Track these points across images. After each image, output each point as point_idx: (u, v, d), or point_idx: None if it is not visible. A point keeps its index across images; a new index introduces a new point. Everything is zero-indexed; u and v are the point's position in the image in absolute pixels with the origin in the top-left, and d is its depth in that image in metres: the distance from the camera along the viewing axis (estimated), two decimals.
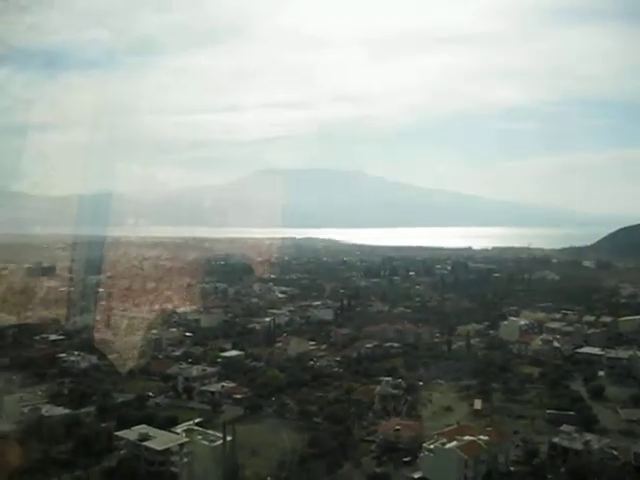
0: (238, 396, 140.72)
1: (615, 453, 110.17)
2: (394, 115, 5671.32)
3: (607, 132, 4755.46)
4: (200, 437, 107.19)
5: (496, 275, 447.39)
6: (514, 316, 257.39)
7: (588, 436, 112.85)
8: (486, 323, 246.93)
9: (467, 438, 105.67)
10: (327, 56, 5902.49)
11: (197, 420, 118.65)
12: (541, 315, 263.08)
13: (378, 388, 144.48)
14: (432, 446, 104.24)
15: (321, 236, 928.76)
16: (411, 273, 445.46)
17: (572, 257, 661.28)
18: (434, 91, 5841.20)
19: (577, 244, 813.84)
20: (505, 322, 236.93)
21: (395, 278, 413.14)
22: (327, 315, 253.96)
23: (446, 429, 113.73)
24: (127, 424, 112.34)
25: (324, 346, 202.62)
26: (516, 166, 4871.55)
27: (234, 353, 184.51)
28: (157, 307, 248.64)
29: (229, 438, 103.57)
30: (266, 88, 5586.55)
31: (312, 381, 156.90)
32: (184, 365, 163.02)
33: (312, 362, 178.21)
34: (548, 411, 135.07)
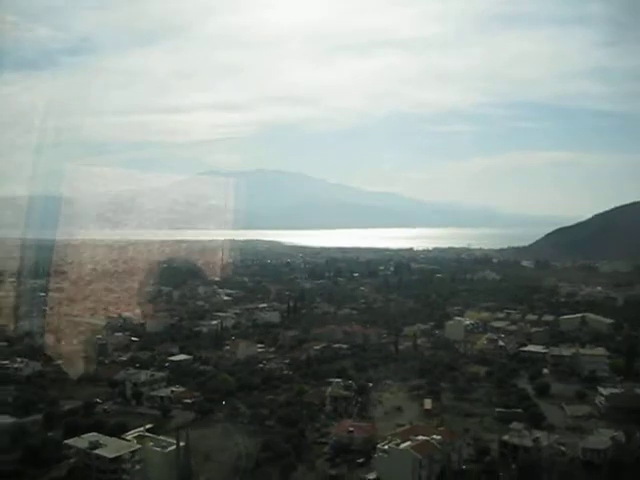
0: (188, 401, 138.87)
1: (563, 449, 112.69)
2: (335, 117, 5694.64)
3: (540, 135, 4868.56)
4: (152, 443, 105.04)
5: (439, 275, 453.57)
6: (458, 316, 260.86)
7: (537, 433, 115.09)
8: (431, 323, 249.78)
9: (420, 438, 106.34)
10: (268, 57, 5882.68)
11: (148, 426, 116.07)
12: (485, 314, 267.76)
13: (329, 390, 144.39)
14: (386, 447, 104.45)
15: (264, 238, 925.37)
16: (355, 274, 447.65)
17: (511, 257, 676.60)
18: (373, 93, 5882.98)
19: (515, 244, 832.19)
20: (450, 322, 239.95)
21: (340, 279, 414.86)
22: (274, 317, 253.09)
23: (399, 429, 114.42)
24: (75, 432, 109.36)
25: (272, 349, 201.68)
26: (454, 167, 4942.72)
27: (182, 357, 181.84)
28: (103, 311, 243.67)
29: (182, 444, 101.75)
30: (208, 89, 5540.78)
31: (262, 384, 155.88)
32: (132, 370, 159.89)
33: (261, 365, 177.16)
34: (497, 409, 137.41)
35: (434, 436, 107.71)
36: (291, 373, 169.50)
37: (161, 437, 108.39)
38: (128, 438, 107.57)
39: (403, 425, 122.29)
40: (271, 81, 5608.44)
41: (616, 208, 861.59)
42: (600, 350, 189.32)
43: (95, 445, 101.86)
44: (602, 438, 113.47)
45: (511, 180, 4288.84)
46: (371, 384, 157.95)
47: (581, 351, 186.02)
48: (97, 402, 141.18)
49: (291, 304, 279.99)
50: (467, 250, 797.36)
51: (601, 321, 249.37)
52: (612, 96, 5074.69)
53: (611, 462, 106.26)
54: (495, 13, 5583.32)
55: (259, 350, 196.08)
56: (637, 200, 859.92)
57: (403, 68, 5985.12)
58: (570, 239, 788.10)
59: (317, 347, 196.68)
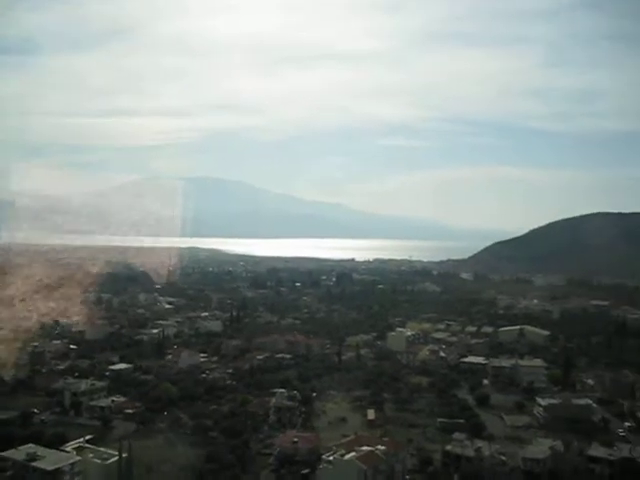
0: (129, 411, 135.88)
1: (504, 459, 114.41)
2: (279, 127, 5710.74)
3: (483, 150, 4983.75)
4: (92, 455, 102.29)
5: (380, 286, 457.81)
6: (400, 327, 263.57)
7: (479, 443, 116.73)
8: (374, 334, 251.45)
9: (365, 448, 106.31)
10: (215, 65, 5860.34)
11: (88, 437, 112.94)
12: (426, 326, 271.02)
13: (273, 400, 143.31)
14: (331, 457, 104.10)
15: (205, 246, 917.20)
16: (297, 284, 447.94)
17: (451, 269, 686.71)
18: (318, 105, 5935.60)
19: (455, 257, 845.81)
20: (392, 333, 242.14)
21: (282, 289, 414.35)
22: (216, 326, 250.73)
23: (344, 440, 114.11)
24: (12, 443, 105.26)
25: (215, 358, 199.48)
26: (400, 181, 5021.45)
27: (123, 366, 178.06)
28: (39, 319, 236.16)
29: (124, 455, 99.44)
30: (153, 94, 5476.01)
31: (205, 394, 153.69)
32: (70, 379, 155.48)
33: (204, 375, 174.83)
34: (439, 419, 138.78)
35: (378, 446, 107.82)
36: (234, 383, 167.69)
37: (102, 448, 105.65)
38: (67, 450, 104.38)
39: (347, 435, 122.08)
40: (217, 89, 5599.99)
41: (550, 224, 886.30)
42: (538, 361, 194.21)
43: (33, 457, 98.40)
44: (541, 448, 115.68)
45: (456, 194, 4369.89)
46: (315, 394, 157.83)
47: (520, 362, 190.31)
48: (34, 412, 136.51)
49: (233, 313, 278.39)
50: (408, 262, 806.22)
51: (538, 333, 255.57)
52: (550, 115, 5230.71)
53: (550, 471, 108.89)
54: (441, 31, 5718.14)
55: (202, 359, 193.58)
56: (570, 217, 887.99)
57: (349, 82, 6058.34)
58: (507, 253, 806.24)
59: (260, 357, 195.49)
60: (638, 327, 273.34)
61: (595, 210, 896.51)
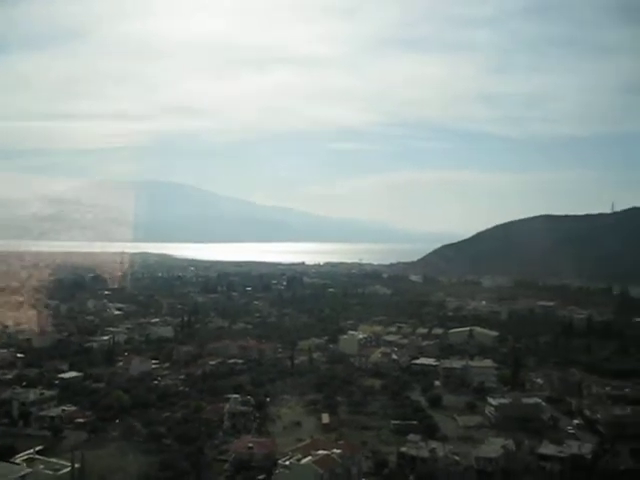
0: (81, 420, 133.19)
1: (457, 459, 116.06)
2: (232, 130, 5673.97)
3: (432, 154, 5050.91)
4: (43, 466, 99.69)
5: (331, 290, 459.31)
6: (352, 330, 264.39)
7: (433, 444, 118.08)
8: (326, 337, 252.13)
9: (321, 452, 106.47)
10: (166, 67, 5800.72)
11: (38, 448, 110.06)
12: (378, 328, 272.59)
13: (227, 406, 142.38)
14: (287, 462, 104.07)
15: (155, 251, 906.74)
16: (248, 288, 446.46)
17: (400, 272, 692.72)
18: (272, 108, 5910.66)
19: (404, 259, 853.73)
20: (344, 336, 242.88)
21: (233, 294, 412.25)
22: (167, 332, 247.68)
23: (300, 444, 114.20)
24: None
25: (167, 364, 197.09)
26: (350, 184, 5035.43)
27: (72, 374, 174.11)
28: None
29: (76, 465, 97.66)
30: (104, 96, 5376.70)
31: (158, 401, 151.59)
32: (18, 389, 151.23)
33: (156, 381, 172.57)
34: (393, 421, 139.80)
35: (334, 450, 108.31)
36: (187, 389, 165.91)
37: (53, 459, 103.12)
38: (17, 461, 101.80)
39: (303, 440, 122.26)
40: (169, 91, 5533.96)
41: (496, 226, 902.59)
42: (488, 362, 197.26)
43: None
44: (493, 447, 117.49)
45: (405, 197, 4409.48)
46: (269, 399, 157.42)
47: (470, 363, 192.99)
48: None
49: (185, 318, 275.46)
50: (358, 265, 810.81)
51: (487, 334, 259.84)
52: (500, 120, 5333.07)
53: (502, 470, 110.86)
54: (394, 37, 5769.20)
55: (153, 366, 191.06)
56: (515, 219, 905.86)
57: (302, 85, 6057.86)
58: (455, 255, 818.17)
59: (213, 362, 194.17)
60: (584, 327, 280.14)
61: (540, 212, 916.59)
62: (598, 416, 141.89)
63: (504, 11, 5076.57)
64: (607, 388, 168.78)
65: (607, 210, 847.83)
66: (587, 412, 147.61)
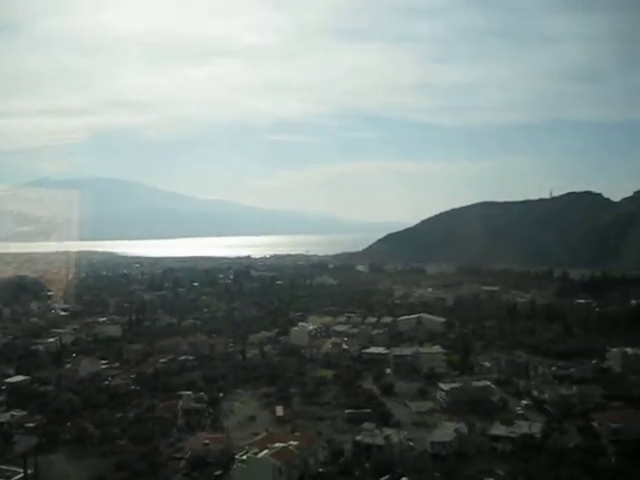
0: (31, 425, 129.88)
1: (412, 444, 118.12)
2: (173, 124, 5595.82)
3: (373, 144, 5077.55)
4: None
5: (279, 282, 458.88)
6: (301, 321, 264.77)
7: (387, 431, 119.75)
8: (276, 330, 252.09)
9: (278, 445, 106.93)
10: (104, 62, 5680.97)
11: None
12: (327, 319, 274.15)
13: (180, 403, 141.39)
14: (244, 457, 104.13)
15: (98, 249, 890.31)
16: (195, 284, 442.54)
17: (346, 262, 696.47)
18: (212, 101, 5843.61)
19: (349, 250, 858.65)
20: (295, 328, 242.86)
21: (180, 290, 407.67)
22: (115, 331, 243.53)
23: (256, 438, 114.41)
24: None
25: (117, 364, 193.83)
26: (293, 176, 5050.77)
27: (19, 378, 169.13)
28: None
29: (29, 471, 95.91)
30: (38, 93, 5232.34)
31: (110, 402, 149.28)
32: None
33: (107, 382, 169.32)
34: (346, 411, 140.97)
35: (291, 442, 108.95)
36: (139, 388, 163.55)
37: (4, 466, 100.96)
38: None
39: (258, 434, 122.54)
40: (107, 86, 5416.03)
41: (439, 214, 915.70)
42: (437, 348, 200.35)
43: None
44: (447, 431, 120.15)
45: (348, 188, 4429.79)
46: (222, 394, 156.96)
47: (420, 350, 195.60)
48: None
49: (132, 317, 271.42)
50: (304, 257, 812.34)
51: (435, 320, 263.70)
52: (440, 109, 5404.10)
53: (456, 452, 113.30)
54: (329, 26, 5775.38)
55: (103, 366, 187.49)
56: (458, 206, 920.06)
57: (241, 77, 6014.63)
58: (399, 244, 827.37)
59: (163, 360, 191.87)
60: (527, 310, 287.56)
61: (481, 199, 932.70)
62: (545, 396, 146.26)
63: (444, 1, 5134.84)
64: (553, 369, 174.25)
65: (546, 196, 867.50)
66: (535, 393, 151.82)
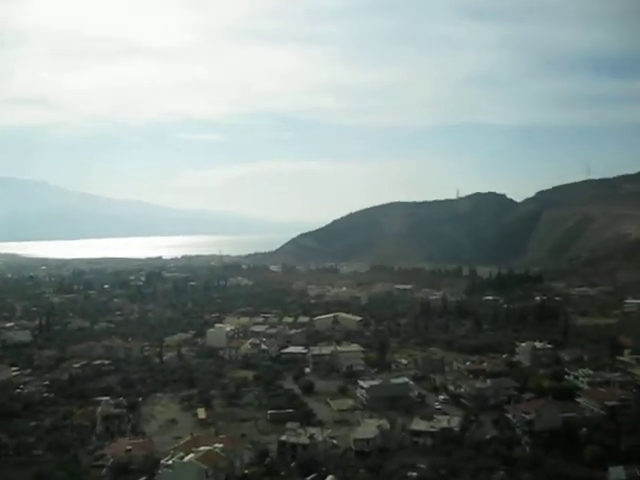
0: None
1: (335, 442, 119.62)
2: (83, 123, 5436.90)
3: (285, 145, 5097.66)
4: None
5: (192, 283, 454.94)
6: (218, 323, 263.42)
7: (311, 430, 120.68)
8: (193, 332, 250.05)
9: (203, 448, 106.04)
10: (14, 58, 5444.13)
11: None
12: (244, 320, 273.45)
13: (98, 409, 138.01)
14: (170, 461, 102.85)
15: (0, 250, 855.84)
16: (106, 286, 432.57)
17: (260, 262, 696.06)
18: (123, 100, 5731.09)
19: (262, 250, 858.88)
20: (211, 329, 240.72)
21: (91, 292, 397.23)
22: (24, 337, 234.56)
23: (181, 442, 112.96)
24: None
25: (28, 370, 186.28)
26: (205, 176, 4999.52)
27: None
28: None
29: None
30: None
31: (23, 410, 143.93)
32: None
33: (19, 390, 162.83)
34: (269, 411, 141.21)
35: (216, 445, 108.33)
36: (53, 395, 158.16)
37: None
38: None
39: (180, 437, 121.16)
40: (17, 83, 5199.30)
41: (351, 214, 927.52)
42: (354, 346, 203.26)
43: None
44: (369, 428, 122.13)
45: (262, 188, 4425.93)
46: (141, 399, 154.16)
47: (338, 348, 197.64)
48: None
49: (42, 321, 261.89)
50: (216, 257, 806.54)
51: (351, 319, 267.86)
52: (351, 111, 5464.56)
53: (379, 449, 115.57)
54: (247, 28, 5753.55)
55: (14, 373, 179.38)
56: (369, 206, 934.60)
57: (154, 77, 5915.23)
58: (312, 243, 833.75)
59: (77, 365, 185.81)
60: (439, 307, 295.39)
61: (392, 199, 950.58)
62: (462, 390, 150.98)
63: (355, 5, 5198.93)
64: (467, 364, 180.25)
65: (452, 196, 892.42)
66: (451, 387, 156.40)
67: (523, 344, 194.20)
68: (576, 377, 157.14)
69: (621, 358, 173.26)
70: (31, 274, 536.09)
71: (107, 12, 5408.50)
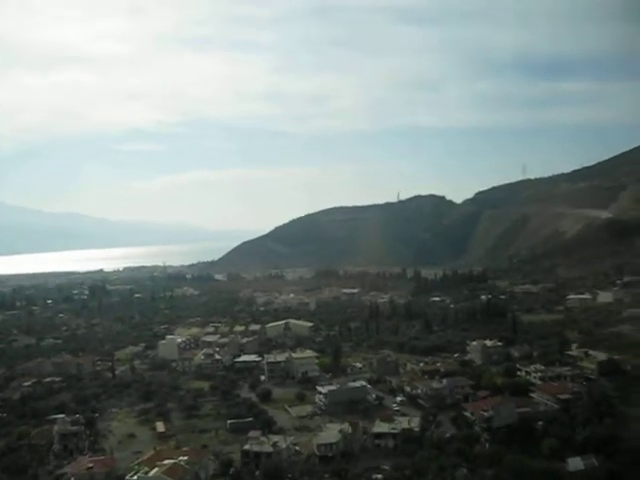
0: None
1: (298, 449, 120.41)
2: (16, 134, 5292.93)
3: (222, 153, 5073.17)
4: None
5: (137, 295, 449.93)
6: (167, 334, 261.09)
7: (274, 438, 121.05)
8: (143, 344, 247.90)
9: (167, 462, 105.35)
10: None
11: None
12: (195, 330, 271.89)
13: (55, 427, 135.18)
14: (135, 477, 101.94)
15: None
16: (49, 301, 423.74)
17: (203, 272, 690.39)
18: (55, 110, 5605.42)
19: (204, 259, 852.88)
20: (162, 341, 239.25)
21: (34, 308, 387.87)
22: None
23: (145, 457, 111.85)
24: None
25: None
26: (141, 186, 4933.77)
27: None
28: None
29: None
30: None
31: None
32: None
33: None
34: (229, 421, 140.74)
35: (180, 457, 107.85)
36: (5, 415, 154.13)
37: None
38: None
39: (141, 452, 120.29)
40: None
41: (292, 220, 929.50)
42: (308, 352, 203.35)
43: None
44: (331, 432, 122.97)
45: (202, 197, 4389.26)
46: (97, 415, 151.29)
47: (292, 355, 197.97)
48: None
49: None
50: (159, 268, 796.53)
51: (302, 325, 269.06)
52: (286, 118, 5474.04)
53: (342, 453, 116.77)
54: (180, 35, 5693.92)
55: None
56: (310, 212, 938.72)
57: (85, 85, 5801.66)
58: (255, 251, 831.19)
59: (28, 383, 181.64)
60: (388, 310, 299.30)
61: (333, 205, 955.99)
62: (418, 391, 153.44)
63: (288, 12, 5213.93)
64: (420, 364, 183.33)
65: (393, 199, 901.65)
66: (407, 388, 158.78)
67: (474, 343, 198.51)
68: (528, 373, 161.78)
69: (569, 352, 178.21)
70: None
71: (39, 19, 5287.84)
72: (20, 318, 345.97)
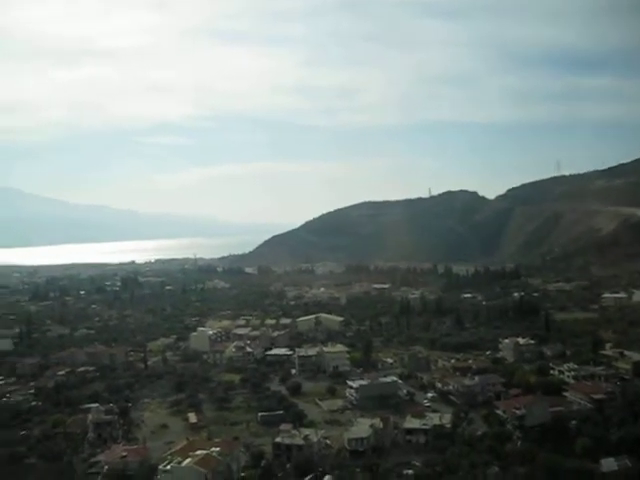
0: None
1: (329, 442, 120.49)
2: (43, 128, 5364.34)
3: (252, 146, 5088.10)
4: None
5: (169, 287, 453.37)
6: (198, 327, 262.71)
7: (305, 431, 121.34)
8: (174, 336, 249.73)
9: (200, 452, 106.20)
10: None
11: None
12: (226, 323, 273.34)
13: (89, 416, 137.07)
14: (168, 467, 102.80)
15: None
16: (82, 292, 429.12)
17: (234, 265, 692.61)
18: (84, 104, 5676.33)
19: (234, 252, 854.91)
20: (194, 333, 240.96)
21: (67, 299, 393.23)
22: (5, 345, 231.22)
23: (177, 447, 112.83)
24: None
25: (12, 379, 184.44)
26: (170, 179, 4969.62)
27: None
28: None
29: None
30: None
31: (11, 419, 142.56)
32: None
33: (5, 399, 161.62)
34: (260, 414, 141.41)
35: (213, 449, 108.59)
36: (40, 404, 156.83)
37: None
38: None
39: (173, 442, 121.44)
40: None
41: (322, 215, 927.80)
42: (339, 347, 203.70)
43: None
44: (362, 427, 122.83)
45: (229, 190, 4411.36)
46: (130, 404, 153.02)
47: (324, 349, 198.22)
48: None
49: (21, 329, 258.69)
50: (190, 260, 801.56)
51: (333, 320, 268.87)
52: (316, 111, 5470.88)
53: (373, 448, 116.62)
54: (211, 29, 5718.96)
55: None
56: (341, 207, 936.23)
57: (114, 79, 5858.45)
58: (286, 245, 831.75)
59: (62, 372, 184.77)
60: (419, 305, 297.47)
61: (362, 199, 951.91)
62: (450, 388, 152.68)
63: (320, 6, 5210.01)
64: (452, 361, 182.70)
65: (425, 195, 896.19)
66: (439, 385, 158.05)
67: (506, 340, 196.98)
68: (561, 372, 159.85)
69: (603, 352, 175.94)
70: (3, 282, 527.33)
71: (67, 13, 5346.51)
72: (54, 308, 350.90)
